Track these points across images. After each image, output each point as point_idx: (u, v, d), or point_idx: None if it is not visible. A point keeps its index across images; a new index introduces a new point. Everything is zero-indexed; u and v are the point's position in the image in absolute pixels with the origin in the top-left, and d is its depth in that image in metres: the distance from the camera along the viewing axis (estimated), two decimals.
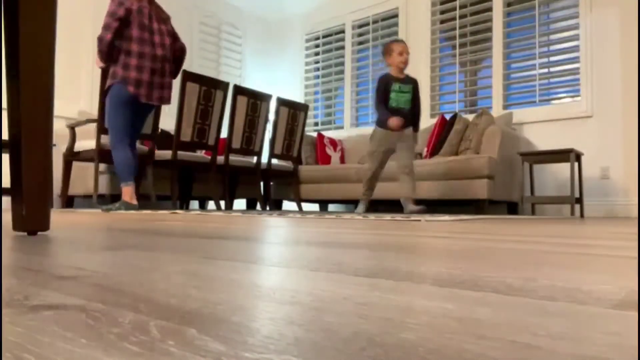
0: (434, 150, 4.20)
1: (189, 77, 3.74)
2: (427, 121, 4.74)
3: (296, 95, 5.89)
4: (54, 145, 1.05)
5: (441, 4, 5.02)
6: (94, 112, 4.35)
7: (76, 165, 3.77)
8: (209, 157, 4.10)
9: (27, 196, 0.93)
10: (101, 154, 3.46)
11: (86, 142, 3.63)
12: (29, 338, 0.24)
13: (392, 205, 4.09)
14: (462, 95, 4.89)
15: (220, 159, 4.14)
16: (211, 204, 5.22)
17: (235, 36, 6.05)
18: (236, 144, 4.15)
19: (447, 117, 4.37)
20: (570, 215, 3.61)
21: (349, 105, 5.71)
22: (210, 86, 3.89)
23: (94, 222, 1.57)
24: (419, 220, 2.02)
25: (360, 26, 5.71)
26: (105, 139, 3.51)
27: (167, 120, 3.80)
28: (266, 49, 6.35)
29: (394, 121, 3.23)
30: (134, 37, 3.02)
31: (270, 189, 4.81)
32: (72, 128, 3.62)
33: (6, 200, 3.84)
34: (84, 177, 3.92)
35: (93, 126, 3.68)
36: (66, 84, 4.42)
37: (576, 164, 3.77)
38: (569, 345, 0.23)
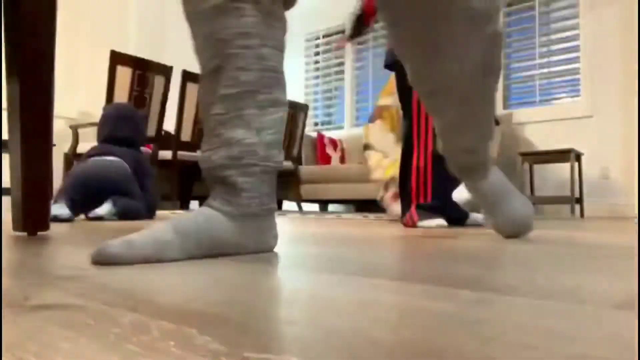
0: None
1: (189, 77, 3.74)
2: None
3: (296, 95, 5.89)
4: (54, 145, 1.05)
5: None
6: (94, 112, 4.35)
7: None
8: None
9: (27, 196, 0.93)
10: None
11: (88, 144, 3.63)
12: (29, 338, 0.24)
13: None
14: None
15: None
16: None
17: None
18: None
19: None
20: (570, 215, 3.61)
21: (349, 105, 5.71)
22: None
23: (94, 222, 1.57)
24: None
25: None
26: None
27: (167, 120, 3.80)
28: None
29: None
30: None
31: None
32: (75, 129, 3.62)
33: (6, 200, 3.84)
34: None
35: (93, 127, 3.68)
36: (66, 84, 4.42)
37: (576, 164, 3.78)
38: (569, 345, 0.23)
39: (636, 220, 1.57)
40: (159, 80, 3.61)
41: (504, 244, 0.84)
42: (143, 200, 1.89)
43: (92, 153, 1.92)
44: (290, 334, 0.25)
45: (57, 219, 1.57)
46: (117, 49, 3.49)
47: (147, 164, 2.14)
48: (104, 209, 1.71)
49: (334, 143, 5.10)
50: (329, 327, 0.26)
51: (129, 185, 1.84)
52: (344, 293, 0.37)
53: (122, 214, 1.73)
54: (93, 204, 1.72)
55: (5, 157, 3.36)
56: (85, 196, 1.72)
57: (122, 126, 2.05)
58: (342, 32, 2.64)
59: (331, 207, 5.36)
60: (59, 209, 1.60)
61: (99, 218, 1.69)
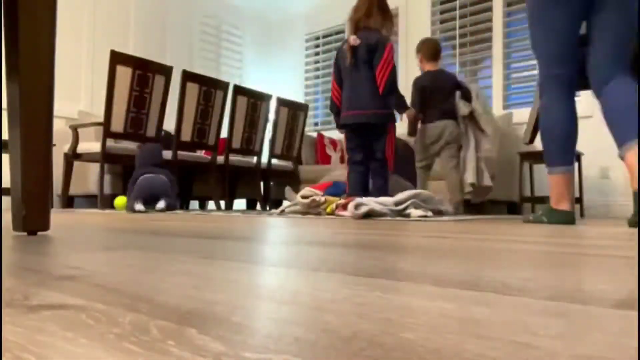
0: None
1: (189, 77, 3.74)
2: None
3: (296, 95, 5.89)
4: (54, 145, 1.13)
5: (441, 4, 5.02)
6: (94, 112, 4.35)
7: (76, 165, 3.77)
8: (209, 157, 4.10)
9: (27, 196, 0.93)
10: (106, 157, 3.47)
11: (88, 143, 3.63)
12: (29, 338, 0.24)
13: None
14: None
15: (220, 159, 4.14)
16: (211, 204, 5.22)
17: (235, 36, 6.05)
18: (236, 144, 4.15)
19: None
20: None
21: None
22: (210, 86, 3.89)
23: (94, 222, 1.57)
24: (419, 220, 2.02)
25: None
26: (109, 142, 3.51)
27: (167, 120, 3.81)
28: (266, 49, 6.35)
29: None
30: None
31: (270, 189, 4.81)
32: (75, 129, 3.62)
33: (6, 200, 3.84)
34: (84, 177, 3.92)
35: (93, 127, 3.68)
36: (66, 84, 4.42)
37: (576, 164, 3.78)
38: (569, 345, 0.23)
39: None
40: (159, 80, 3.62)
41: (503, 243, 0.84)
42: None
43: (144, 172, 3.18)
44: (290, 334, 0.25)
45: (138, 212, 2.84)
46: (117, 49, 3.49)
47: (172, 177, 3.34)
48: (161, 204, 2.99)
49: (334, 143, 5.10)
50: (328, 327, 0.26)
51: (168, 190, 3.13)
52: (344, 293, 0.37)
53: (168, 208, 3.03)
54: (152, 201, 3.01)
55: (5, 157, 3.36)
56: (147, 197, 3.00)
57: (152, 156, 3.36)
58: None
59: None
60: (139, 206, 2.91)
61: (161, 210, 2.97)
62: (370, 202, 2.30)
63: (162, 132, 3.76)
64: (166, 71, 3.65)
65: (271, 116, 4.45)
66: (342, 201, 2.52)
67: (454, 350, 0.22)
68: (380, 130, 2.91)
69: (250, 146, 4.28)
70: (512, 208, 4.05)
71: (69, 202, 3.76)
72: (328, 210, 2.58)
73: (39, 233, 0.96)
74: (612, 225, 1.75)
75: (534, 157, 3.80)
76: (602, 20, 1.71)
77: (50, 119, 0.96)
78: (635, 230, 1.39)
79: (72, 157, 3.63)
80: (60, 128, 3.99)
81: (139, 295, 0.35)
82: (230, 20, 5.96)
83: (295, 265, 0.53)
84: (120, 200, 3.32)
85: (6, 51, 0.93)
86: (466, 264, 0.55)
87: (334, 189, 2.90)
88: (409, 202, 2.36)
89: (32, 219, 0.94)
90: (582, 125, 4.16)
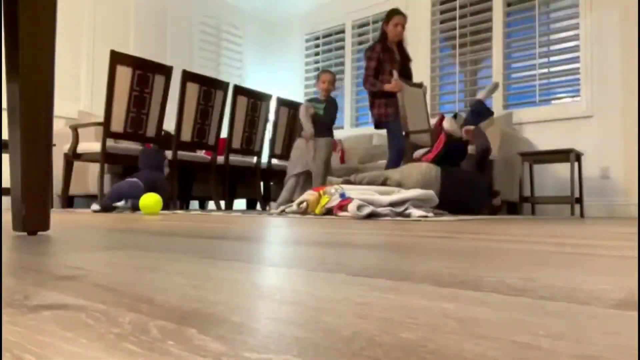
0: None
1: (189, 77, 3.74)
2: None
3: (296, 95, 5.89)
4: (54, 145, 1.11)
5: (441, 4, 5.02)
6: (94, 112, 4.35)
7: (76, 165, 3.77)
8: (209, 157, 4.10)
9: (27, 196, 0.93)
10: (106, 157, 3.47)
11: (88, 144, 3.63)
12: (29, 338, 0.24)
13: None
14: (462, 95, 4.89)
15: (220, 159, 4.14)
16: (211, 204, 5.22)
17: (236, 36, 6.05)
18: (236, 144, 4.16)
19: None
20: (570, 215, 3.61)
21: (349, 105, 5.71)
22: (210, 86, 3.89)
23: (94, 222, 1.57)
24: (419, 220, 2.02)
25: (360, 26, 5.71)
26: (110, 142, 3.51)
27: (167, 120, 3.81)
28: (266, 49, 6.35)
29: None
30: None
31: (270, 189, 4.81)
32: (75, 129, 3.62)
33: (6, 200, 3.84)
34: (84, 177, 3.92)
35: (93, 127, 3.68)
36: (66, 84, 4.42)
37: (576, 164, 3.77)
38: (569, 345, 0.23)
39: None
40: (159, 80, 3.62)
41: (503, 243, 0.84)
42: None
43: (137, 176, 3.36)
44: (290, 334, 0.25)
45: (94, 211, 2.99)
46: (117, 49, 3.49)
47: (166, 181, 3.60)
48: (121, 203, 3.19)
49: (334, 143, 5.10)
50: (329, 327, 0.26)
51: (136, 193, 3.17)
52: (344, 293, 0.37)
53: (164, 207, 3.19)
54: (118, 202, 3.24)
55: (5, 157, 3.36)
56: (115, 199, 3.19)
57: (153, 159, 3.58)
58: None
59: None
60: (94, 206, 3.09)
61: (124, 208, 3.19)
62: (370, 194, 2.31)
63: (162, 132, 3.76)
64: (166, 71, 3.65)
65: (271, 116, 4.45)
66: (334, 203, 2.47)
67: (454, 350, 0.22)
68: None
69: (250, 146, 4.28)
70: (512, 208, 4.05)
71: (68, 202, 3.76)
72: (317, 212, 2.56)
73: (39, 233, 0.96)
74: (611, 225, 1.75)
75: (534, 157, 3.81)
76: None
77: (50, 119, 0.96)
78: (635, 230, 1.39)
79: (72, 157, 3.63)
80: (60, 128, 3.99)
81: (139, 295, 0.35)
82: (230, 20, 5.96)
83: (295, 265, 0.53)
84: (149, 199, 2.76)
85: (6, 51, 0.93)
86: (466, 264, 0.55)
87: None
88: (408, 203, 2.36)
89: (32, 219, 0.94)
90: (582, 125, 4.17)
